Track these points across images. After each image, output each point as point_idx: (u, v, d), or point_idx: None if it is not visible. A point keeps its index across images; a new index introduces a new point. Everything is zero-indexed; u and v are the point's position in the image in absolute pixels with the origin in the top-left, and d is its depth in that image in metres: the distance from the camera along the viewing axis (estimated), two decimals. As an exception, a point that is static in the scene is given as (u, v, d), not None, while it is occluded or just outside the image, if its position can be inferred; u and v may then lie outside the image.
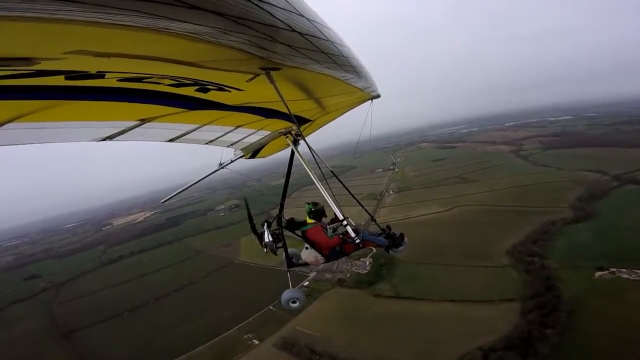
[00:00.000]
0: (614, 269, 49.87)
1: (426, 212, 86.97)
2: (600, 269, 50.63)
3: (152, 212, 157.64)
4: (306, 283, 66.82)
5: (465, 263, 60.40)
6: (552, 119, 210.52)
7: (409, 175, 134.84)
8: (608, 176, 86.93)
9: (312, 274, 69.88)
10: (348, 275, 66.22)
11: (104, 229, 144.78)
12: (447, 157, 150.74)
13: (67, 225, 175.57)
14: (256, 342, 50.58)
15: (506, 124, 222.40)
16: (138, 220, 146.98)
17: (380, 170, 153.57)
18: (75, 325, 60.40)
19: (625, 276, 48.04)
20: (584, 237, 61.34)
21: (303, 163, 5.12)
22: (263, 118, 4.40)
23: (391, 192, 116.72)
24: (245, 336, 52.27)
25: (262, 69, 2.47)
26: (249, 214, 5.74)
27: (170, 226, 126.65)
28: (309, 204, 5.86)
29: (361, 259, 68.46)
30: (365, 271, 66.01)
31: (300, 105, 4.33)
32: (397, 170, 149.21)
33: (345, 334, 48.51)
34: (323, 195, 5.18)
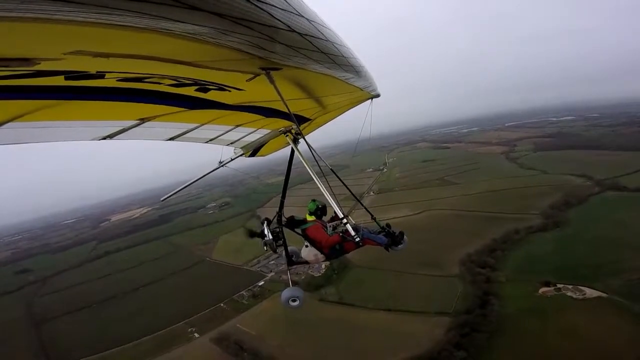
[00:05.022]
0: (561, 285, 47.91)
1: (396, 215, 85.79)
2: (547, 284, 48.66)
3: (150, 209, 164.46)
4: (261, 283, 68.68)
5: (415, 271, 59.75)
6: (554, 119, 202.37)
7: (394, 177, 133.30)
8: (591, 181, 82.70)
9: (270, 275, 71.76)
10: (303, 277, 67.20)
11: (101, 225, 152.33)
12: (437, 158, 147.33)
13: (69, 221, 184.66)
14: (196, 335, 53.56)
15: (507, 124, 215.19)
16: (134, 216, 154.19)
17: (371, 170, 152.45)
18: (47, 316, 65.57)
19: (569, 294, 46.21)
20: (543, 248, 59.09)
21: (303, 162, 5.06)
22: (263, 117, 4.42)
23: (371, 194, 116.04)
24: (189, 329, 55.25)
25: (262, 68, 2.49)
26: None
27: (160, 223, 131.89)
28: (313, 201, 5.77)
29: (318, 262, 69.31)
30: (318, 274, 66.77)
31: (300, 105, 4.33)
32: (385, 170, 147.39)
33: (280, 335, 49.97)
34: (320, 194, 5.14)
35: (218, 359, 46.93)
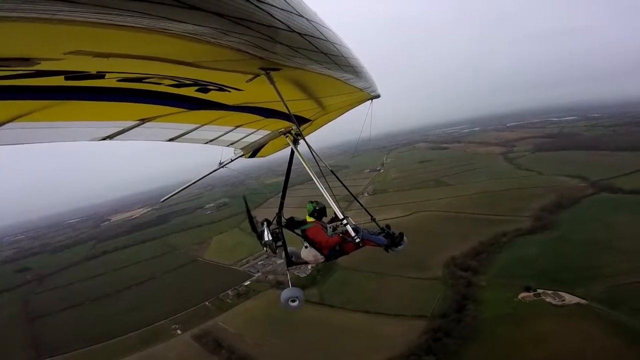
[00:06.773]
0: (541, 291, 47.08)
1: (386, 216, 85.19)
2: (528, 289, 47.90)
3: (150, 209, 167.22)
4: (247, 282, 69.41)
5: (399, 273, 59.47)
6: (555, 119, 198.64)
7: (390, 177, 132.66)
8: (586, 182, 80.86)
9: (257, 274, 72.46)
10: (289, 277, 67.71)
11: (102, 224, 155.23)
12: (434, 158, 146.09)
13: (71, 221, 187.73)
14: (179, 332, 55.03)
15: (508, 124, 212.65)
16: (134, 216, 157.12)
17: (368, 170, 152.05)
18: (41, 312, 67.71)
19: (548, 300, 45.41)
20: (529, 252, 58.17)
21: (303, 162, 5.05)
22: (263, 118, 4.41)
23: (366, 195, 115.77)
24: (173, 326, 56.78)
25: (262, 69, 2.49)
26: (248, 212, 5.72)
27: (158, 223, 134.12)
28: (311, 202, 5.74)
29: (305, 263, 69.83)
30: (304, 275, 66.97)
31: (299, 105, 4.33)
32: (382, 171, 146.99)
33: (259, 334, 50.67)
34: (320, 194, 5.14)
35: (196, 354, 48.00)
